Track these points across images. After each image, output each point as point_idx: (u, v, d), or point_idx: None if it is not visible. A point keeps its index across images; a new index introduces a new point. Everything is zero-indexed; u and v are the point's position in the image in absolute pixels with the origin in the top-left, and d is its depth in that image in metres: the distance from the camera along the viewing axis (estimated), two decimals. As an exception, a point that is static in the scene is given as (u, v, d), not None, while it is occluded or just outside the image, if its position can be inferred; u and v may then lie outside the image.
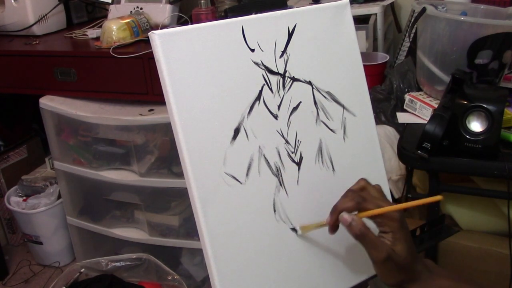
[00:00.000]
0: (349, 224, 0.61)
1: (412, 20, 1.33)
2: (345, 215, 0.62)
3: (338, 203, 0.64)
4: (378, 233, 0.63)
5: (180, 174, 1.52)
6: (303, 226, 0.70)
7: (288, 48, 0.74)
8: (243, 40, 0.68)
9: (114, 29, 1.53)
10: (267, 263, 0.70)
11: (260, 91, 0.70)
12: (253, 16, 0.71)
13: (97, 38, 1.65)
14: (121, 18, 1.58)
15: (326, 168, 0.78)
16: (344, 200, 0.64)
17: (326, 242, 0.76)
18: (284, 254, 0.72)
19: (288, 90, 0.74)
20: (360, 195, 0.63)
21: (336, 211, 0.64)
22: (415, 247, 0.64)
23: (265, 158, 0.70)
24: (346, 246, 0.78)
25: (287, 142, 0.73)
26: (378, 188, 0.66)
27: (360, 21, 1.76)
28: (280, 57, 0.73)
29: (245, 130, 0.68)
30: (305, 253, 0.75)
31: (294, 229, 0.70)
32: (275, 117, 0.72)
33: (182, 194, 1.62)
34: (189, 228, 1.64)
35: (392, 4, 1.89)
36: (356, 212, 0.63)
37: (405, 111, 1.33)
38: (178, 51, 0.63)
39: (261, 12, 0.72)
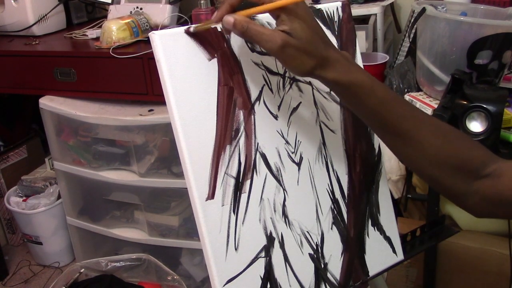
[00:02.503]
0: (233, 24, 0.58)
1: (412, 20, 1.33)
2: (227, 17, 0.58)
3: (222, 2, 0.61)
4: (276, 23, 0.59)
5: (180, 174, 1.52)
6: (197, 26, 0.64)
7: (288, 48, 0.74)
8: (243, 40, 0.69)
9: (114, 29, 1.53)
10: (266, 263, 0.70)
11: (260, 91, 0.70)
12: (253, 16, 0.71)
13: (97, 38, 1.65)
14: (121, 18, 1.58)
15: (326, 168, 0.78)
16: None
17: (326, 242, 0.77)
18: (284, 254, 0.72)
19: (288, 90, 0.74)
20: None
21: (222, 6, 0.60)
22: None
23: (265, 158, 0.70)
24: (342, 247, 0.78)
25: (287, 142, 0.73)
26: None
27: (360, 21, 1.76)
28: (280, 57, 0.73)
29: (245, 130, 0.68)
30: (305, 253, 0.75)
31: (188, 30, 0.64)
32: (275, 117, 0.72)
33: (182, 194, 1.62)
34: (189, 228, 1.64)
35: (392, 4, 1.89)
36: None
37: (405, 111, 1.33)
38: (178, 51, 0.63)
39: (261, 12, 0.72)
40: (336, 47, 0.62)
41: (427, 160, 0.64)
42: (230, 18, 0.58)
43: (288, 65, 0.59)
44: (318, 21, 0.60)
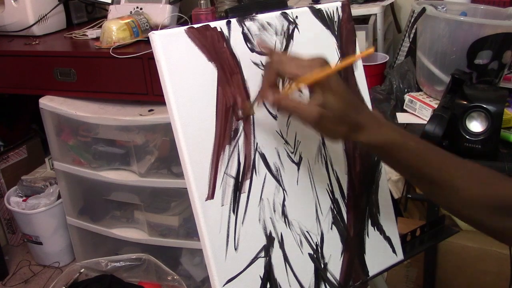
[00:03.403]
0: (272, 102, 0.63)
1: (412, 20, 1.34)
2: (266, 95, 0.63)
3: (262, 84, 0.66)
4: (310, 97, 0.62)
5: (180, 174, 1.52)
6: (244, 110, 0.68)
7: (287, 49, 0.74)
8: (243, 41, 0.69)
9: (114, 30, 1.53)
10: (266, 263, 0.70)
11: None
12: (253, 16, 0.71)
13: (97, 38, 1.65)
14: (121, 18, 1.58)
15: (325, 168, 0.78)
16: (264, 76, 0.65)
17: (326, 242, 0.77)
18: (284, 254, 0.72)
19: (288, 90, 0.74)
20: (276, 66, 0.63)
21: (263, 84, 0.65)
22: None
23: (264, 158, 0.70)
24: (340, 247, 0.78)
25: (286, 142, 0.73)
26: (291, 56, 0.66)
27: (360, 21, 1.76)
28: (280, 57, 0.73)
29: (244, 130, 0.68)
30: (305, 253, 0.75)
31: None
32: (275, 117, 0.72)
33: (182, 194, 1.62)
34: (189, 228, 1.64)
35: (392, 5, 1.89)
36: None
37: (405, 111, 1.33)
38: (178, 52, 0.63)
39: (261, 12, 0.72)
40: (368, 107, 0.66)
41: (464, 203, 0.65)
42: (271, 97, 0.63)
43: (324, 134, 0.65)
44: (346, 87, 0.63)
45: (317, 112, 0.60)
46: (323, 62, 0.61)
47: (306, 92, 0.64)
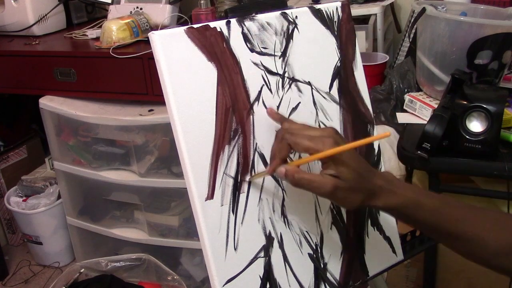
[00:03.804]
0: (285, 175, 0.63)
1: (412, 20, 1.34)
2: (279, 168, 0.63)
3: (272, 153, 0.66)
4: (321, 169, 0.63)
5: (180, 174, 1.52)
6: (252, 177, 0.69)
7: (287, 49, 0.74)
8: (243, 41, 0.69)
9: (114, 30, 1.53)
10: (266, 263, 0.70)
11: (260, 92, 0.70)
12: (253, 16, 0.71)
13: (97, 38, 1.65)
14: (121, 18, 1.58)
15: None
16: (276, 149, 0.65)
17: (326, 243, 0.77)
18: (284, 254, 0.72)
19: (287, 90, 0.74)
20: (288, 138, 0.63)
21: (272, 162, 0.65)
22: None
23: (263, 158, 0.70)
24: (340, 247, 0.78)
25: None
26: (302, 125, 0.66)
27: (360, 21, 1.76)
28: (280, 57, 0.73)
29: (244, 131, 0.68)
30: (304, 253, 0.75)
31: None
32: (275, 117, 0.72)
33: (182, 194, 1.61)
34: (189, 228, 1.64)
35: (392, 5, 1.89)
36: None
37: (405, 111, 1.33)
38: (178, 51, 0.63)
39: (261, 12, 0.72)
40: (377, 172, 0.66)
41: (492, 254, 0.64)
42: (282, 169, 0.63)
43: (340, 204, 0.65)
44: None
45: (332, 184, 0.60)
46: (334, 134, 0.62)
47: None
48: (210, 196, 0.64)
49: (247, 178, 0.68)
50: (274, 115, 0.69)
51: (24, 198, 1.96)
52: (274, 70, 0.72)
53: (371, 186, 0.62)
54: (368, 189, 0.62)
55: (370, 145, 0.85)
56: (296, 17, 0.76)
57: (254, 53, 0.70)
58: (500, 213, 0.67)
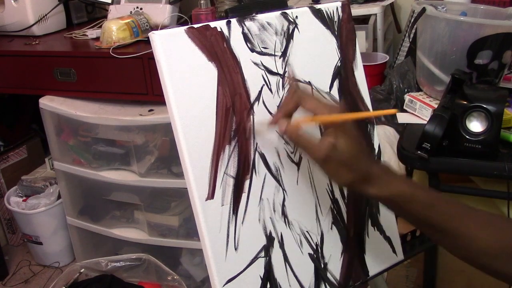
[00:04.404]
0: (284, 131, 0.63)
1: (412, 20, 1.33)
2: (281, 122, 0.64)
3: (280, 105, 0.67)
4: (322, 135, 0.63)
5: (180, 174, 1.52)
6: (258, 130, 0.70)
7: (288, 49, 0.74)
8: (243, 41, 0.69)
9: (114, 29, 1.53)
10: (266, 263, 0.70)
11: (260, 91, 0.70)
12: (253, 16, 0.71)
13: (97, 38, 1.65)
14: (121, 18, 1.58)
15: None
16: (285, 101, 0.65)
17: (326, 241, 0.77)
18: (284, 254, 0.72)
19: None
20: (298, 97, 0.64)
21: (277, 113, 0.66)
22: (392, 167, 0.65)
23: (264, 158, 0.70)
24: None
25: (286, 142, 0.73)
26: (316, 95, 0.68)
27: (360, 21, 1.76)
28: (280, 57, 0.73)
29: (244, 130, 0.68)
30: (305, 253, 0.75)
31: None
32: (275, 117, 0.72)
33: (182, 194, 1.61)
34: (189, 228, 1.64)
35: (392, 5, 1.89)
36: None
37: (405, 111, 1.33)
38: (178, 51, 0.63)
39: (261, 12, 0.72)
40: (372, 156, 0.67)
41: (480, 253, 0.64)
42: (283, 125, 0.63)
43: (331, 176, 0.64)
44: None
45: (327, 150, 0.60)
46: (342, 110, 0.62)
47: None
48: (211, 196, 0.64)
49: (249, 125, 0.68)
50: (291, 76, 0.70)
51: (24, 198, 1.96)
52: (275, 70, 0.72)
53: (366, 169, 0.62)
54: (362, 171, 0.62)
55: (370, 145, 0.85)
56: (297, 17, 0.76)
57: (254, 53, 0.70)
58: (494, 215, 0.67)
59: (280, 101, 0.72)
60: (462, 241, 0.64)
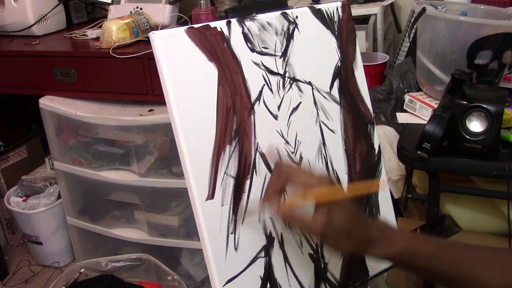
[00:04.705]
0: (277, 213, 0.62)
1: (412, 20, 1.34)
2: (272, 203, 0.63)
3: (268, 184, 0.65)
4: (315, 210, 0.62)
5: (180, 174, 1.52)
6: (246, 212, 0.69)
7: (288, 49, 0.74)
8: (243, 41, 0.69)
9: (114, 29, 1.53)
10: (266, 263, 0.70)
11: (260, 91, 0.70)
12: (253, 16, 0.71)
13: (97, 38, 1.65)
14: (121, 18, 1.58)
15: (326, 168, 0.78)
16: (273, 180, 0.64)
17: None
18: (284, 254, 0.72)
19: (288, 90, 0.74)
20: (286, 175, 0.63)
21: (267, 193, 0.65)
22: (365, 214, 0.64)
23: (264, 158, 0.70)
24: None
25: (287, 142, 0.73)
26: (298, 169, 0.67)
27: (360, 21, 1.76)
28: (280, 57, 0.73)
29: (244, 130, 0.68)
30: (305, 253, 0.75)
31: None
32: (275, 117, 0.72)
33: (182, 194, 1.61)
34: (189, 228, 1.64)
35: (392, 5, 1.89)
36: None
37: (405, 111, 1.33)
38: (178, 51, 0.63)
39: (261, 12, 0.72)
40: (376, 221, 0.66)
41: None
42: (275, 206, 0.63)
43: (331, 247, 0.63)
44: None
45: (322, 225, 0.60)
46: (331, 182, 0.62)
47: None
48: (211, 196, 0.64)
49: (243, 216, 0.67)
50: (273, 154, 0.69)
51: (24, 198, 1.96)
52: (275, 70, 0.72)
53: (363, 236, 0.62)
54: (361, 238, 0.62)
55: (370, 145, 0.85)
56: (297, 17, 0.76)
57: (254, 53, 0.70)
58: (499, 250, 0.66)
59: (281, 101, 0.72)
60: (474, 284, 0.63)
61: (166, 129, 1.53)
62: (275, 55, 0.72)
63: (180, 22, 1.72)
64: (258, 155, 0.69)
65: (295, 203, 0.62)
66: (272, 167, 0.68)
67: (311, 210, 0.61)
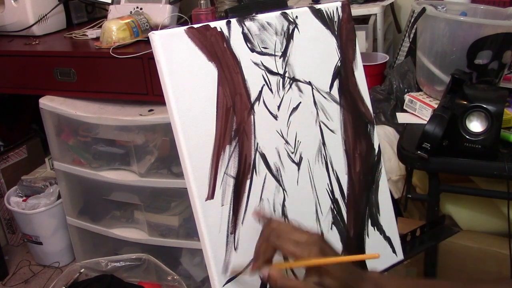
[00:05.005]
0: (268, 278, 0.61)
1: (412, 20, 1.34)
2: (263, 271, 0.61)
3: (256, 250, 0.63)
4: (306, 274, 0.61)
5: (180, 174, 1.52)
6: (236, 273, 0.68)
7: (288, 49, 0.74)
8: (243, 41, 0.69)
9: (114, 29, 1.53)
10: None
11: (260, 92, 0.70)
12: (253, 16, 0.71)
13: (97, 38, 1.65)
14: (121, 18, 1.58)
15: (325, 168, 0.78)
16: (261, 248, 0.62)
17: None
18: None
19: (288, 90, 0.74)
20: (274, 240, 0.61)
21: (257, 261, 0.63)
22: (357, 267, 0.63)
23: (264, 158, 0.70)
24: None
25: (286, 142, 0.73)
26: (287, 225, 0.65)
27: (360, 21, 1.76)
28: (280, 57, 0.73)
29: (244, 130, 0.68)
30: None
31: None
32: (275, 117, 0.72)
33: (182, 194, 1.61)
34: (189, 228, 1.64)
35: (392, 4, 1.89)
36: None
37: (405, 111, 1.33)
38: (178, 51, 0.63)
39: (261, 12, 0.72)
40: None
41: None
42: (265, 273, 0.61)
43: None
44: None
45: None
46: (321, 242, 0.60)
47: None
48: (211, 196, 0.64)
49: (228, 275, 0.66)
50: (260, 215, 0.68)
51: (24, 198, 1.96)
52: (275, 70, 0.72)
53: None
54: None
55: (370, 145, 0.85)
56: (297, 17, 0.76)
57: (254, 53, 0.70)
58: (500, 282, 0.66)
59: (281, 101, 0.72)
60: None
61: (166, 129, 1.53)
62: (275, 55, 0.72)
63: (180, 22, 1.72)
64: (258, 155, 0.69)
65: (286, 267, 0.62)
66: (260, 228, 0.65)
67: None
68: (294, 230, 0.62)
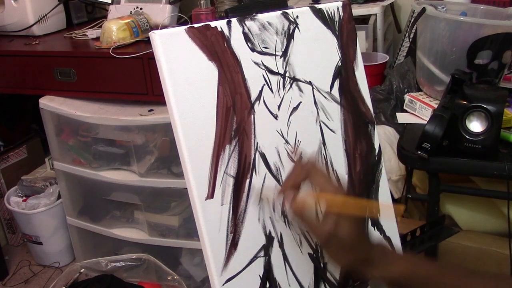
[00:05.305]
0: (290, 206, 0.62)
1: (412, 20, 1.34)
2: (287, 195, 0.63)
3: (287, 175, 0.65)
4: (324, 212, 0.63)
5: (180, 174, 1.52)
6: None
7: (288, 48, 0.74)
8: (244, 40, 0.69)
9: (114, 29, 1.53)
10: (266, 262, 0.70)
11: (260, 91, 0.70)
12: (254, 16, 0.71)
13: (97, 38, 1.65)
14: (121, 18, 1.58)
15: (326, 168, 0.78)
16: (293, 173, 0.64)
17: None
18: (284, 253, 0.72)
19: (288, 90, 0.74)
20: (306, 171, 0.63)
21: (285, 184, 0.65)
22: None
23: (264, 158, 0.70)
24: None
25: (287, 142, 0.73)
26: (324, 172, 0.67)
27: (360, 21, 1.76)
28: (281, 57, 0.73)
29: (244, 130, 0.68)
30: (304, 252, 0.75)
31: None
32: (275, 117, 0.72)
33: (182, 194, 1.61)
34: (189, 228, 1.64)
35: (392, 5, 1.89)
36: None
37: (405, 111, 1.33)
38: (179, 51, 0.63)
39: (261, 12, 0.72)
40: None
41: None
42: (289, 199, 0.62)
43: (331, 256, 0.64)
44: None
45: (328, 232, 0.60)
46: (345, 195, 0.62)
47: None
48: (210, 195, 0.64)
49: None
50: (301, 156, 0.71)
51: (24, 198, 1.96)
52: (275, 70, 0.72)
53: (365, 254, 0.62)
54: (362, 254, 0.62)
55: (371, 145, 0.85)
56: (297, 16, 0.76)
57: (255, 53, 0.70)
58: (499, 276, 0.66)
59: (281, 101, 0.72)
60: None
61: (166, 129, 1.53)
62: (275, 55, 0.72)
63: (180, 22, 1.72)
64: (258, 154, 0.69)
65: (307, 203, 0.62)
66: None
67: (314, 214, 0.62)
68: (326, 174, 0.64)
